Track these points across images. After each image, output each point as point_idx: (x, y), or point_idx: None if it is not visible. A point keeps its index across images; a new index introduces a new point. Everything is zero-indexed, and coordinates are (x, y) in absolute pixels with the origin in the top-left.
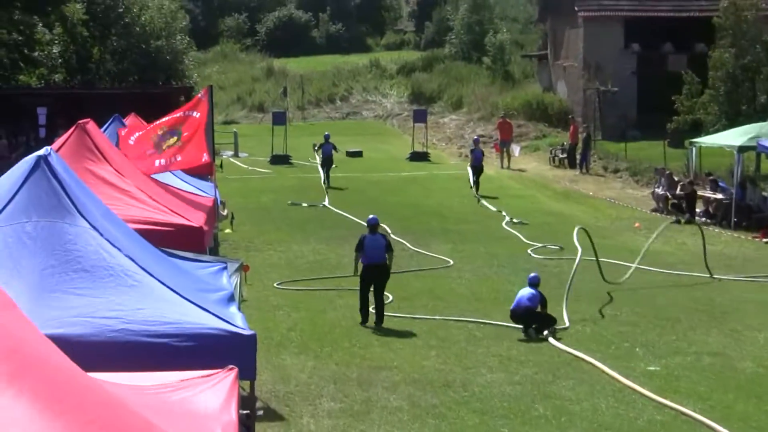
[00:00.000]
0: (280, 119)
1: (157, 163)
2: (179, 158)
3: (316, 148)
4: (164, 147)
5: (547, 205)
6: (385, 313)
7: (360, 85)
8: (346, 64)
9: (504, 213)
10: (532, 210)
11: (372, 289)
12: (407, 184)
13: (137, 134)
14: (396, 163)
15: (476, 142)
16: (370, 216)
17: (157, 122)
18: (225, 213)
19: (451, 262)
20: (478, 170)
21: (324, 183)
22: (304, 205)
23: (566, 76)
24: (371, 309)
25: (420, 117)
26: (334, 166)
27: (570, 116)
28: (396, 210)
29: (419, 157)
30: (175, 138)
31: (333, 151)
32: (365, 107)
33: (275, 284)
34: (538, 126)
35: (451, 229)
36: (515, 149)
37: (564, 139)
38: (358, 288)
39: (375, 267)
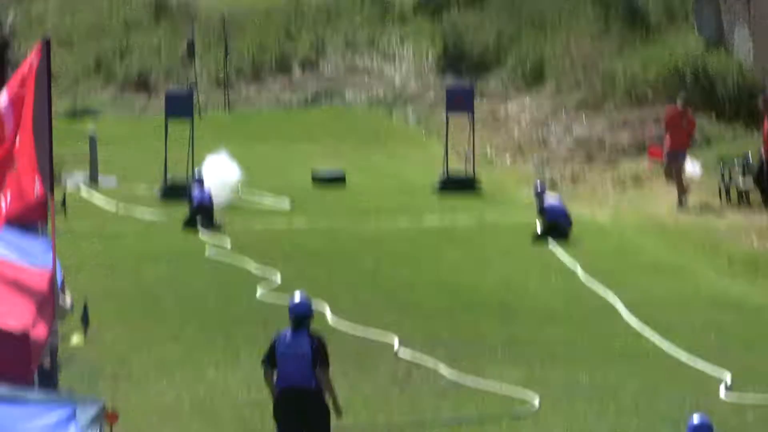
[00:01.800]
0: (181, 107)
1: None
2: (8, 196)
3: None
4: None
5: (714, 287)
6: None
7: (341, 36)
8: None
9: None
10: (685, 296)
11: None
12: (436, 244)
13: None
14: (413, 199)
15: (541, 188)
16: (296, 297)
17: None
18: (69, 303)
19: (537, 403)
20: (557, 231)
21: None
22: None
23: (753, 18)
24: None
25: (460, 101)
26: (218, 222)
27: (763, 98)
28: (414, 297)
29: (460, 185)
30: None
31: (209, 198)
32: (351, 81)
33: None
34: (698, 120)
35: (524, 337)
36: (693, 167)
37: (750, 145)
38: None
39: (296, 395)
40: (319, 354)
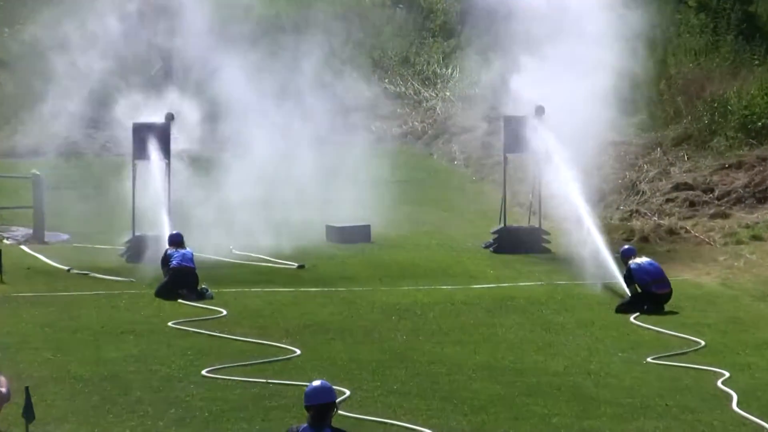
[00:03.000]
0: (154, 142)
1: None
2: None
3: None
4: None
5: None
6: None
7: (365, 52)
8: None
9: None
10: None
11: None
12: (489, 315)
13: None
14: (458, 257)
15: (629, 251)
16: (314, 385)
17: None
18: (5, 390)
19: None
20: (651, 298)
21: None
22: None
23: None
24: None
25: (522, 136)
26: (203, 287)
27: None
28: (460, 382)
29: (517, 241)
30: None
31: (191, 260)
32: (379, 110)
33: None
34: None
35: (604, 429)
36: None
37: None
38: None
39: None
40: None
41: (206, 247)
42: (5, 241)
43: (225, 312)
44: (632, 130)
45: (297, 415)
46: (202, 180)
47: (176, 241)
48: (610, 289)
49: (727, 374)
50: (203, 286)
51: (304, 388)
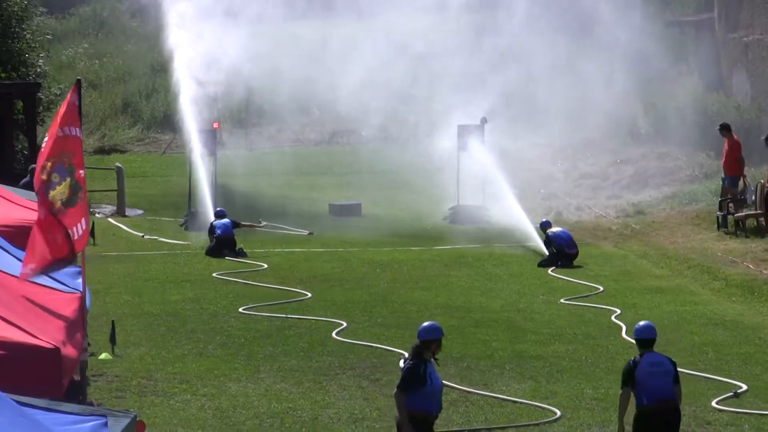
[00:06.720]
0: (204, 145)
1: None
2: (81, 229)
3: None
4: (56, 209)
5: (712, 308)
6: None
7: (357, 77)
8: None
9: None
10: (684, 315)
11: None
12: (447, 269)
13: None
14: (425, 228)
15: (545, 223)
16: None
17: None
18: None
19: (556, 414)
20: (564, 257)
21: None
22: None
23: (750, 62)
24: None
25: (471, 138)
26: (240, 248)
27: (765, 138)
28: (426, 317)
29: (467, 215)
30: (67, 181)
31: (231, 229)
32: (367, 120)
33: None
34: (697, 157)
35: (531, 353)
36: None
37: (751, 178)
38: None
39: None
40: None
41: None
42: (96, 214)
43: (266, 265)
44: (554, 135)
45: (309, 341)
46: (242, 170)
47: (220, 214)
48: (533, 250)
49: (619, 311)
50: (240, 247)
51: (313, 321)
